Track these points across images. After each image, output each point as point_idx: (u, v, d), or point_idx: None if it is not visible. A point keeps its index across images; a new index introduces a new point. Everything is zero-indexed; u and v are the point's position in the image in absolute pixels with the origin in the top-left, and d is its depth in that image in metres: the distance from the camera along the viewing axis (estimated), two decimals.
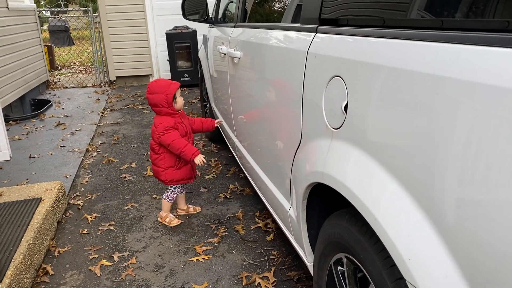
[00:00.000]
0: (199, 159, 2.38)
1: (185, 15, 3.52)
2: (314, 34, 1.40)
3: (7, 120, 5.06)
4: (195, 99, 6.16)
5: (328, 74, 1.25)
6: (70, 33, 16.15)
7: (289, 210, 1.74)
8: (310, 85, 1.38)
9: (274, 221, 2.63)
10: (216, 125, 2.75)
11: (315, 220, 1.61)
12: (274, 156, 1.88)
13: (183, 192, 2.77)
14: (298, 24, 1.57)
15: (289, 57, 1.56)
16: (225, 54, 2.66)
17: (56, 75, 8.88)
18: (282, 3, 2.03)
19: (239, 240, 2.47)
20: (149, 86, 2.44)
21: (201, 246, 2.41)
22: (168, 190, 2.65)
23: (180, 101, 2.46)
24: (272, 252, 2.34)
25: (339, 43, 1.23)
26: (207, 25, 3.75)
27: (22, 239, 2.21)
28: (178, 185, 2.62)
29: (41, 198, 2.66)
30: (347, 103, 1.15)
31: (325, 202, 1.54)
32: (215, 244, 2.44)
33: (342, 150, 1.18)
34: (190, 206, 2.83)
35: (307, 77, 1.40)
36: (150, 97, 2.42)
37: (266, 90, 1.86)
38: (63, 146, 4.18)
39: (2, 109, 4.98)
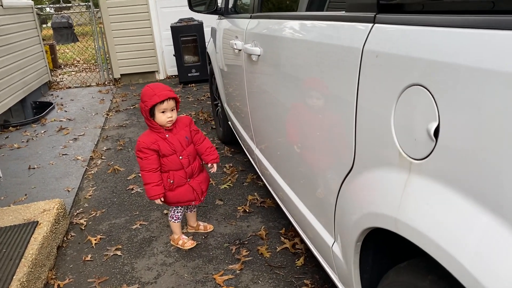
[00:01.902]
0: (156, 202, 2.17)
1: (191, 7, 3.15)
2: (371, 25, 1.04)
3: (6, 127, 4.77)
4: (204, 96, 5.81)
5: (402, 81, 0.89)
6: (74, 29, 15.82)
7: (332, 246, 1.39)
8: (369, 94, 1.02)
9: (302, 240, 2.28)
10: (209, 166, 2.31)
11: (369, 261, 1.26)
12: (309, 177, 1.53)
13: (194, 209, 2.43)
14: (343, 12, 1.20)
15: (334, 56, 1.20)
16: (240, 50, 2.31)
17: (59, 75, 8.58)
18: None
19: (265, 266, 2.13)
20: (142, 90, 2.10)
21: (221, 275, 2.08)
22: (171, 210, 2.32)
23: (160, 118, 2.02)
24: (305, 281, 2.01)
25: (419, 38, 0.87)
26: (215, 16, 3.39)
27: (14, 276, 1.90)
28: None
29: (37, 222, 2.34)
30: (438, 125, 0.80)
31: (386, 241, 1.19)
32: (237, 271, 2.10)
33: (430, 191, 0.83)
34: (200, 223, 2.50)
35: (364, 83, 1.04)
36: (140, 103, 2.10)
37: (298, 97, 1.51)
38: (65, 154, 3.87)
39: (2, 114, 4.69)
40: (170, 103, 2.01)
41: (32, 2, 6.41)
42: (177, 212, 2.29)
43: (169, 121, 2.05)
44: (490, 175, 0.70)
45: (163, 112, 2.02)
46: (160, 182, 2.11)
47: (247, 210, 2.68)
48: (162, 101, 1.98)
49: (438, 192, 0.81)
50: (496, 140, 0.68)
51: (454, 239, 0.76)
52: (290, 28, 1.58)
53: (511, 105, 0.65)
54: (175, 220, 2.30)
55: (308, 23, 1.44)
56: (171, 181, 2.14)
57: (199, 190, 2.24)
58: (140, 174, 3.32)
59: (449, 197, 0.78)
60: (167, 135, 2.09)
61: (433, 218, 0.81)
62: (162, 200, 2.14)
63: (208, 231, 2.47)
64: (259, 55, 1.93)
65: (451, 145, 0.77)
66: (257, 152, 2.40)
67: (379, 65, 0.97)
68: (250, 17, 2.24)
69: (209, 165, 2.29)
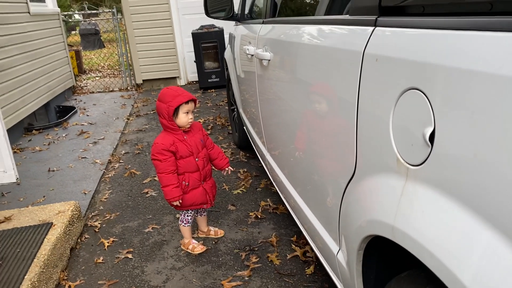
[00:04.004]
0: (175, 204, 2.17)
1: (208, 13, 3.18)
2: (372, 28, 1.01)
3: (30, 130, 4.90)
4: (223, 101, 5.84)
5: (399, 85, 0.87)
6: (101, 36, 16.25)
7: (337, 254, 1.36)
8: (369, 98, 1.00)
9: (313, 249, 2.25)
10: (224, 171, 2.39)
11: (373, 270, 1.23)
12: (315, 183, 1.50)
13: (204, 213, 2.43)
14: (347, 16, 1.18)
15: (336, 59, 1.18)
16: (252, 55, 2.31)
17: (84, 80, 8.79)
18: None
19: (274, 274, 2.10)
20: (160, 92, 2.13)
21: (229, 281, 2.06)
22: (181, 213, 2.33)
23: (183, 119, 2.07)
24: None
25: (417, 41, 0.84)
26: (234, 23, 3.41)
27: (25, 276, 1.93)
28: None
29: (52, 223, 2.39)
30: (434, 129, 0.77)
31: (389, 250, 1.15)
32: (246, 278, 2.09)
33: (426, 198, 0.80)
34: (211, 228, 2.49)
35: (364, 87, 1.02)
36: (157, 104, 2.13)
37: (304, 102, 1.49)
38: (85, 157, 3.95)
39: (26, 117, 4.83)
40: (192, 105, 2.09)
41: (59, 9, 6.60)
42: (187, 216, 2.29)
43: (190, 122, 2.11)
44: (486, 184, 0.67)
45: (186, 113, 2.07)
46: (179, 183, 2.13)
47: (259, 216, 2.66)
48: (187, 102, 2.05)
49: (433, 199, 0.78)
50: (492, 147, 0.65)
51: (447, 248, 0.73)
52: (296, 32, 1.57)
53: (506, 109, 0.62)
54: (185, 224, 2.30)
55: (313, 27, 1.42)
56: (187, 183, 2.16)
57: (211, 194, 2.27)
58: (155, 178, 3.36)
59: (445, 206, 0.75)
60: (185, 137, 2.12)
61: (428, 226, 0.78)
62: (181, 202, 2.16)
63: (219, 236, 2.47)
64: (269, 60, 1.93)
65: (446, 151, 0.74)
66: (268, 158, 2.39)
67: (378, 69, 0.95)
68: (263, 23, 2.24)
69: (226, 169, 2.37)
